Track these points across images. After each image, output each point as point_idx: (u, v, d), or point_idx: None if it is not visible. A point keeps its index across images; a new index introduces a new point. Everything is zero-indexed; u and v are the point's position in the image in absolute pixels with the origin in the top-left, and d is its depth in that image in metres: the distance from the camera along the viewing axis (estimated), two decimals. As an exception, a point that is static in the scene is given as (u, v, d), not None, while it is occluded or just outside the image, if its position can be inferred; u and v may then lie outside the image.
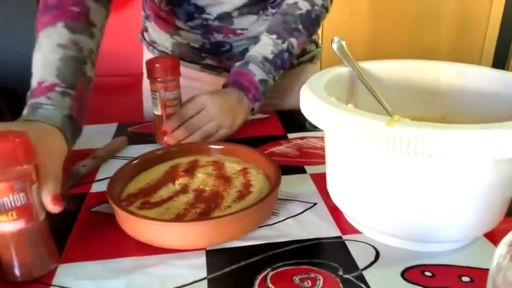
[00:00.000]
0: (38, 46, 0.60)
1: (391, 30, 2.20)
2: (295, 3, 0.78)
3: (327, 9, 0.82)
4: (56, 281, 0.43)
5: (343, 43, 0.56)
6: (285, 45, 0.76)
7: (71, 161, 0.56)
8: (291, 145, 0.72)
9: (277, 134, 0.75)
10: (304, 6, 0.78)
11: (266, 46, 0.76)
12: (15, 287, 0.42)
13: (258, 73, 0.74)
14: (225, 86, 0.76)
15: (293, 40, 0.77)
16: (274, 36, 0.76)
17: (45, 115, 0.54)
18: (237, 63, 0.77)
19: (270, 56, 0.75)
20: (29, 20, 1.97)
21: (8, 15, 1.84)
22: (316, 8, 0.79)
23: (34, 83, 0.57)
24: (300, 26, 0.78)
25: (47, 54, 0.58)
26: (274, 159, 0.58)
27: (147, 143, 0.72)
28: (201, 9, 0.82)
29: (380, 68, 0.57)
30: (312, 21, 0.79)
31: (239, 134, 0.76)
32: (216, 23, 0.84)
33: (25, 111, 0.56)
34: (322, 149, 0.69)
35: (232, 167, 0.58)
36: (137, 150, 0.68)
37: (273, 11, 0.86)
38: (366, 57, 0.67)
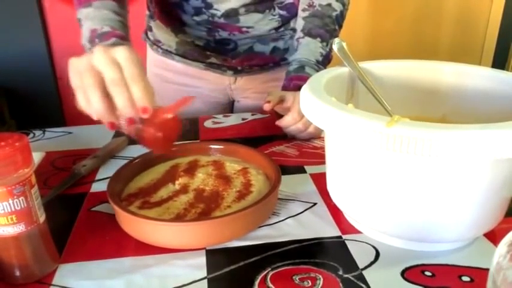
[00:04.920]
0: (96, 6, 0.67)
1: (392, 29, 2.20)
2: (329, 4, 0.80)
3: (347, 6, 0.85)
4: (56, 281, 0.43)
5: (344, 44, 0.56)
6: (328, 48, 0.79)
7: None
8: (291, 145, 0.72)
9: (277, 134, 0.75)
10: (338, 7, 0.81)
11: (315, 50, 0.78)
12: (16, 286, 0.42)
13: None
14: (285, 90, 0.76)
15: (332, 40, 0.78)
16: (318, 39, 0.79)
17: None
18: (291, 68, 0.78)
19: (321, 59, 0.79)
20: (29, 20, 1.98)
21: (8, 15, 1.84)
22: (346, 7, 0.83)
23: (101, 30, 0.64)
24: (337, 27, 0.81)
25: (108, 13, 0.67)
26: (274, 159, 0.58)
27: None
28: (209, 5, 0.82)
29: (380, 68, 0.57)
30: (343, 20, 0.83)
31: (239, 134, 0.76)
32: (222, 20, 0.84)
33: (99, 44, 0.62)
34: (322, 149, 0.69)
35: (232, 167, 0.58)
36: (137, 150, 0.67)
37: (281, 12, 0.87)
38: (366, 56, 0.67)
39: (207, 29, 0.86)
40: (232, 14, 0.83)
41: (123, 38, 0.65)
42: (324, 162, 0.52)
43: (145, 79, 0.50)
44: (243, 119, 0.83)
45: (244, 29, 0.86)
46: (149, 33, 0.95)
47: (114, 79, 0.49)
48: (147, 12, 0.95)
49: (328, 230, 0.50)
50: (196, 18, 0.85)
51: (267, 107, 0.71)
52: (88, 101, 0.50)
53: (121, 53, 0.50)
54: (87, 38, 0.65)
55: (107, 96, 0.49)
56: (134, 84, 0.49)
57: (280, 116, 0.72)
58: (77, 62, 0.51)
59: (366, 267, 0.44)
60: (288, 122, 0.70)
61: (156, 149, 0.55)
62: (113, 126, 0.51)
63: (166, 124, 0.51)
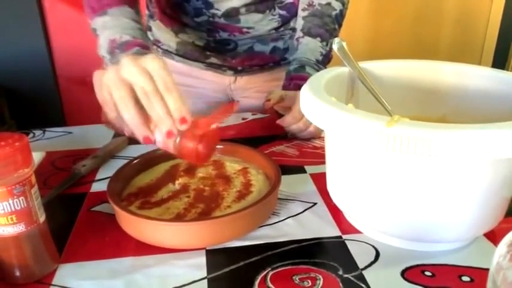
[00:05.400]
0: (112, 15, 0.64)
1: (392, 29, 2.20)
2: (329, 4, 0.80)
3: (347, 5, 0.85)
4: (56, 280, 0.43)
5: (344, 44, 0.56)
6: (328, 47, 0.79)
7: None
8: (291, 145, 0.72)
9: (277, 134, 0.75)
10: (338, 6, 0.81)
11: (315, 49, 0.78)
12: (16, 286, 0.42)
13: None
14: (285, 89, 0.76)
15: (332, 40, 0.79)
16: (318, 39, 0.79)
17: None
18: (292, 68, 0.78)
19: (321, 58, 0.78)
20: (29, 20, 1.98)
21: (8, 15, 1.84)
22: (345, 6, 0.82)
23: (121, 39, 0.60)
24: (337, 26, 0.81)
25: (127, 21, 0.64)
26: (274, 159, 0.58)
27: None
28: (210, 5, 0.82)
29: (380, 68, 0.57)
30: (343, 19, 0.83)
31: (239, 134, 0.76)
32: (222, 20, 0.84)
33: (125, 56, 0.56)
34: (322, 148, 0.69)
35: (232, 166, 0.58)
36: (137, 150, 0.67)
37: (281, 12, 0.87)
38: (366, 56, 0.67)
39: (207, 30, 0.86)
40: (232, 14, 0.83)
41: (146, 47, 0.61)
42: (324, 162, 0.52)
43: (178, 89, 0.48)
44: (243, 119, 0.83)
45: (244, 30, 0.86)
46: (149, 33, 0.95)
47: (148, 90, 0.46)
48: (147, 12, 0.95)
49: (328, 230, 0.50)
50: (197, 19, 0.85)
51: (267, 105, 0.71)
52: (119, 115, 0.47)
53: (151, 63, 0.48)
54: (105, 48, 0.61)
55: (140, 108, 0.47)
56: (169, 95, 0.47)
57: (281, 116, 0.72)
58: (103, 74, 0.49)
59: (366, 267, 0.44)
60: (288, 121, 0.70)
61: (196, 161, 0.52)
62: (148, 140, 0.48)
63: (206, 135, 0.49)
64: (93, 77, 0.50)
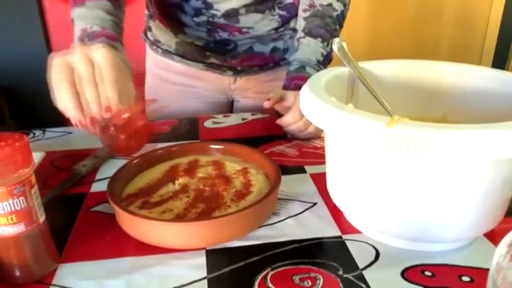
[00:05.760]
0: (88, 6, 0.66)
1: (392, 30, 2.20)
2: (330, 4, 0.80)
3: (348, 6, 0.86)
4: (56, 281, 0.43)
5: (344, 44, 0.56)
6: (329, 48, 0.79)
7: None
8: (291, 145, 0.72)
9: (277, 134, 0.75)
10: (339, 7, 0.81)
11: (316, 50, 0.78)
12: (16, 286, 0.42)
13: None
14: (285, 89, 0.76)
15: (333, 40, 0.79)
16: (319, 40, 0.79)
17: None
18: (292, 68, 0.78)
19: (321, 59, 0.79)
20: (29, 20, 1.97)
21: (8, 15, 1.84)
22: (346, 7, 0.83)
23: (90, 29, 0.64)
24: (337, 27, 0.81)
25: (100, 13, 0.67)
26: (274, 159, 0.58)
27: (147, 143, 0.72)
28: (209, 5, 0.82)
29: (380, 68, 0.57)
30: (344, 20, 0.83)
31: (239, 134, 0.76)
32: (222, 21, 0.84)
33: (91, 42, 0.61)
34: (322, 149, 0.69)
35: (232, 167, 0.58)
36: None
37: (281, 12, 0.87)
38: (366, 56, 0.67)
39: (207, 30, 0.86)
40: (232, 14, 0.83)
41: (113, 39, 0.64)
42: (324, 162, 0.52)
43: (115, 79, 0.51)
44: (243, 119, 0.83)
45: (244, 30, 0.86)
46: (148, 33, 0.95)
47: (84, 77, 0.50)
48: (147, 12, 0.94)
49: (328, 230, 0.50)
50: (196, 19, 0.85)
51: (267, 104, 0.71)
52: (59, 96, 0.51)
53: (98, 53, 0.52)
54: (77, 37, 0.65)
55: (76, 93, 0.50)
56: (102, 84, 0.51)
57: (281, 116, 0.72)
58: (56, 58, 0.53)
59: (366, 267, 0.44)
60: (288, 121, 0.70)
61: (125, 153, 0.57)
62: (81, 124, 0.52)
63: (137, 131, 0.53)
64: (48, 59, 0.53)
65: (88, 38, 0.63)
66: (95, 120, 0.51)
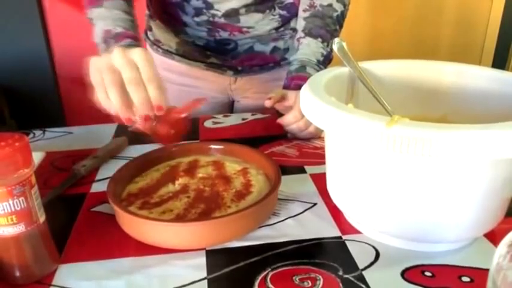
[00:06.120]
0: (106, 6, 0.70)
1: (392, 30, 2.20)
2: (330, 5, 0.80)
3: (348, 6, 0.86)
4: (56, 281, 0.43)
5: (344, 44, 0.56)
6: (329, 48, 0.80)
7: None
8: (291, 145, 0.72)
9: (277, 134, 0.75)
10: (339, 8, 0.81)
11: (316, 50, 0.78)
12: (16, 287, 0.42)
13: None
14: (286, 89, 0.76)
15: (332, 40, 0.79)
16: (319, 40, 0.79)
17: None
18: (293, 68, 0.78)
19: (321, 59, 0.79)
20: (29, 20, 1.98)
21: (8, 15, 1.84)
22: (346, 8, 0.83)
23: (114, 30, 0.67)
24: (337, 27, 0.82)
25: (119, 13, 0.70)
26: (274, 159, 0.58)
27: (147, 143, 0.72)
28: (209, 5, 0.82)
29: (380, 68, 0.57)
30: (343, 20, 0.83)
31: (239, 134, 0.76)
32: (223, 20, 0.84)
33: (116, 46, 0.64)
34: (322, 149, 0.69)
35: (232, 167, 0.58)
36: (137, 150, 0.68)
37: (281, 12, 0.87)
38: (366, 56, 0.67)
39: (207, 30, 0.86)
40: (232, 14, 0.83)
41: (136, 39, 0.68)
42: (324, 163, 0.52)
43: (159, 79, 0.55)
44: (243, 119, 0.83)
45: (244, 29, 0.86)
46: (149, 33, 0.95)
47: (132, 79, 0.54)
48: (147, 12, 0.94)
49: (328, 230, 0.50)
50: (197, 19, 0.85)
51: (268, 103, 0.71)
52: (107, 97, 0.54)
53: (137, 55, 0.55)
54: (100, 37, 0.67)
55: (124, 93, 0.54)
56: (150, 84, 0.54)
57: (281, 115, 0.72)
58: (97, 60, 0.56)
59: (366, 268, 0.44)
60: (289, 120, 0.70)
61: (166, 142, 0.63)
62: (129, 121, 0.55)
63: (178, 122, 0.59)
64: (89, 62, 0.57)
65: (113, 39, 0.66)
66: (148, 118, 0.54)
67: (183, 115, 0.59)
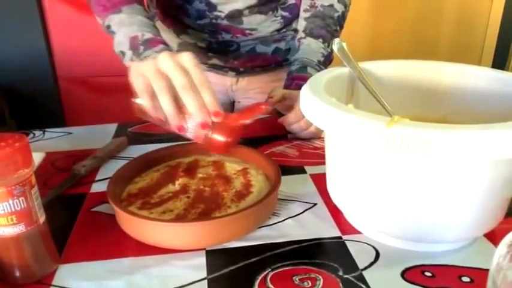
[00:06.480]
0: (126, 12, 0.68)
1: (392, 30, 2.20)
2: (331, 5, 0.80)
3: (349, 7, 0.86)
4: (56, 281, 0.43)
5: (344, 44, 0.56)
6: (329, 48, 0.80)
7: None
8: (291, 145, 0.72)
9: (277, 134, 0.75)
10: (340, 8, 0.81)
11: (317, 50, 0.79)
12: (16, 287, 0.42)
13: None
14: (286, 89, 0.76)
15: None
16: (320, 40, 0.79)
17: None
18: (293, 68, 0.78)
19: (322, 59, 0.79)
20: (29, 20, 1.98)
21: (8, 15, 1.84)
22: (347, 8, 0.83)
23: (143, 37, 0.65)
24: (338, 28, 0.82)
25: (142, 19, 0.69)
26: (274, 159, 0.58)
27: (147, 143, 0.72)
28: (213, 7, 0.82)
29: (380, 68, 0.57)
30: (344, 21, 0.83)
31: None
32: (225, 22, 0.84)
33: (153, 52, 0.64)
34: (322, 149, 0.69)
35: (232, 167, 0.58)
36: (137, 150, 0.68)
37: (283, 13, 0.87)
38: (366, 56, 0.67)
39: (209, 32, 0.86)
40: (236, 15, 0.83)
41: (166, 44, 0.66)
42: (324, 163, 0.52)
43: (211, 85, 0.51)
44: (243, 119, 0.83)
45: (247, 32, 0.86)
46: None
47: (186, 83, 0.49)
48: None
49: (328, 230, 0.50)
50: (199, 21, 0.84)
51: (270, 102, 0.71)
52: (156, 104, 0.50)
53: (187, 59, 0.51)
54: (126, 45, 0.65)
55: (176, 99, 0.50)
56: (204, 90, 0.50)
57: (281, 115, 0.72)
58: (140, 66, 0.52)
59: (366, 268, 0.44)
60: (291, 120, 0.70)
61: (221, 152, 0.56)
62: (181, 129, 0.52)
63: (234, 130, 0.53)
64: (130, 68, 0.54)
65: (144, 45, 0.64)
66: (205, 125, 0.50)
67: (242, 122, 0.53)
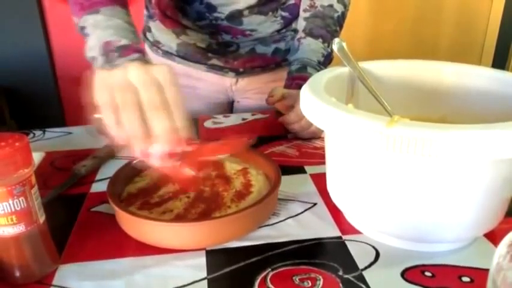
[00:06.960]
0: (104, 14, 0.61)
1: (392, 30, 2.20)
2: (331, 6, 0.80)
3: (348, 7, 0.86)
4: (56, 281, 0.43)
5: (344, 44, 0.56)
6: (329, 48, 0.80)
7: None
8: (291, 145, 0.72)
9: (277, 134, 0.75)
10: (340, 9, 0.81)
11: (317, 50, 0.79)
12: (16, 287, 0.42)
13: None
14: (287, 89, 0.77)
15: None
16: (320, 40, 0.79)
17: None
18: (293, 68, 0.78)
19: (322, 59, 0.79)
20: (29, 20, 1.98)
21: (8, 15, 1.84)
22: (347, 8, 0.83)
23: (118, 42, 0.58)
24: (338, 28, 0.82)
25: (120, 23, 0.61)
26: (274, 159, 0.58)
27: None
28: (213, 8, 0.82)
29: (380, 68, 0.57)
30: (344, 21, 0.83)
31: (239, 134, 0.76)
32: (225, 23, 0.84)
33: (126, 60, 0.56)
34: (322, 149, 0.69)
35: (232, 167, 0.58)
36: (137, 151, 0.68)
37: (283, 13, 0.87)
38: (366, 56, 0.67)
39: (209, 32, 0.86)
40: (236, 16, 0.83)
41: (144, 54, 0.60)
42: (324, 163, 0.52)
43: (185, 107, 0.45)
44: (243, 119, 0.83)
45: (247, 32, 0.86)
46: (148, 34, 0.95)
47: (156, 101, 0.43)
48: (146, 13, 0.94)
49: (328, 230, 0.50)
50: (199, 23, 0.84)
51: (270, 101, 0.71)
52: (119, 121, 0.43)
53: (163, 74, 0.45)
54: (99, 49, 0.58)
55: (142, 119, 0.43)
56: (177, 111, 0.44)
57: (281, 114, 0.72)
58: (106, 75, 0.45)
59: (365, 268, 0.44)
60: (292, 119, 0.70)
61: (188, 188, 0.50)
62: (145, 154, 0.45)
63: (206, 164, 0.44)
64: (90, 77, 0.46)
65: (118, 52, 0.57)
66: (174, 154, 0.43)
67: (218, 156, 0.45)
